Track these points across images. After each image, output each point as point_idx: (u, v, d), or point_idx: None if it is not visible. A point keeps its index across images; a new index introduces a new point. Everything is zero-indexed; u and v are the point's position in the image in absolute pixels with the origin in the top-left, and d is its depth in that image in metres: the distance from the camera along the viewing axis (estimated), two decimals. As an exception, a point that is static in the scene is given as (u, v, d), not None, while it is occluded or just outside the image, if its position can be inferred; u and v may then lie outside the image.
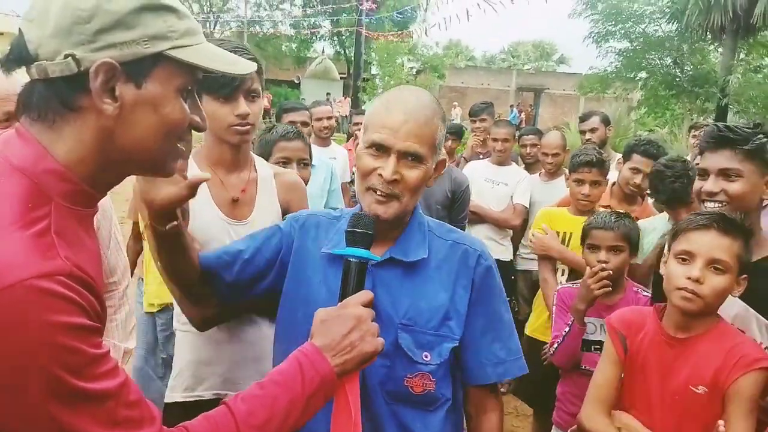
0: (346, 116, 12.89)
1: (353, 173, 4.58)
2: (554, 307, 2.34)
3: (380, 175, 1.22)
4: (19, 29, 0.84)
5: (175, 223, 1.20)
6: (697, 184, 1.70)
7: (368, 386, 1.24)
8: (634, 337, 1.59)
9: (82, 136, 0.82)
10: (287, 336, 1.30)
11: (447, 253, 1.33)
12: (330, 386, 1.00)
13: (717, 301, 1.49)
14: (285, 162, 2.20)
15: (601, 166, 2.75)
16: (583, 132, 4.09)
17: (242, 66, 0.98)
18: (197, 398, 1.61)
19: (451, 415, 1.31)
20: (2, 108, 1.46)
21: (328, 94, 20.86)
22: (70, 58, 0.79)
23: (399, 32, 18.68)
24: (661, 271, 1.59)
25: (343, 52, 30.21)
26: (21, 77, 0.88)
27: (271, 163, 2.14)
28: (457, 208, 3.42)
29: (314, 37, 29.14)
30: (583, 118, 4.20)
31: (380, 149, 1.23)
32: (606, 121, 4.03)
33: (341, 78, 27.12)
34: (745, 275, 1.49)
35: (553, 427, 2.35)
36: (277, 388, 0.95)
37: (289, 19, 28.23)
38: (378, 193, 1.23)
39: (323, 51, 30.63)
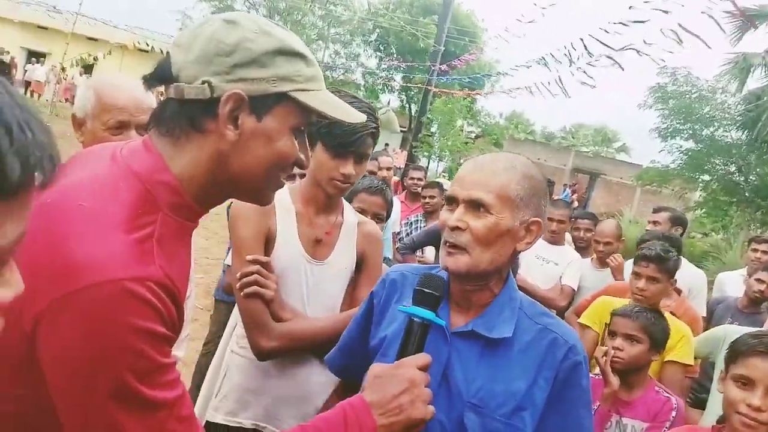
0: (400, 168, 13.09)
1: (402, 224, 4.65)
2: None
3: (447, 225, 1.22)
4: (167, 52, 0.95)
5: None
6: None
7: None
8: None
9: (200, 156, 0.91)
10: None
11: (534, 338, 1.23)
12: None
13: None
14: (360, 213, 2.28)
15: (662, 262, 2.61)
16: (650, 222, 4.11)
17: (354, 116, 1.05)
18: (237, 425, 1.64)
19: None
20: (137, 117, 1.56)
21: (386, 144, 21.25)
22: (206, 84, 0.88)
23: (468, 91, 19.00)
24: (718, 388, 1.56)
25: (408, 106, 30.94)
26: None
27: None
28: None
29: (384, 89, 30.01)
30: (656, 210, 4.24)
31: (451, 202, 1.24)
32: (675, 221, 3.96)
33: (401, 131, 27.64)
34: None
35: None
36: None
37: (364, 69, 29.19)
38: (447, 245, 1.22)
39: (389, 102, 31.44)
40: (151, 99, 1.58)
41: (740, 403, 1.47)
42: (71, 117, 1.63)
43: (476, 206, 1.20)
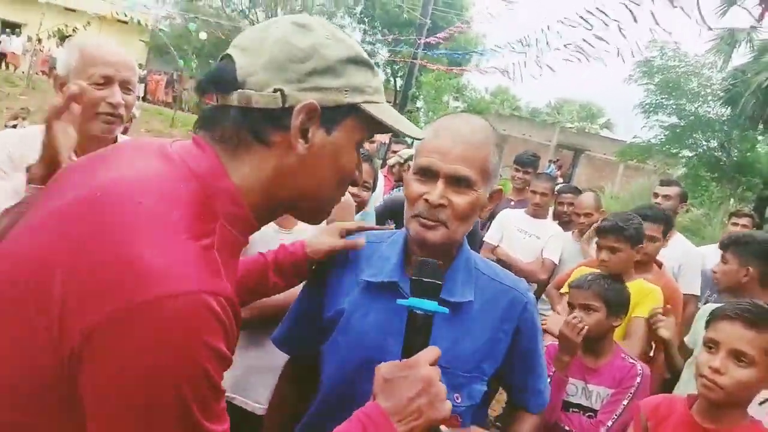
0: (384, 143, 13.01)
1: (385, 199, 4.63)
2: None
3: (426, 200, 1.17)
4: (229, 55, 0.85)
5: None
6: None
7: None
8: (660, 422, 1.57)
9: (262, 169, 0.83)
10: (330, 358, 1.29)
11: (493, 295, 1.28)
12: None
13: (741, 393, 1.46)
14: None
15: (620, 232, 2.67)
16: (656, 195, 3.93)
17: (415, 132, 0.99)
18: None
19: None
20: (122, 73, 1.59)
21: (371, 118, 21.08)
22: (279, 92, 0.81)
23: (454, 68, 18.86)
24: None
25: (393, 81, 30.68)
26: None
27: None
28: (469, 239, 3.38)
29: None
30: (665, 183, 4.06)
31: (427, 174, 1.19)
32: (683, 197, 3.92)
33: (387, 106, 27.46)
34: None
35: None
36: None
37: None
38: (423, 219, 1.18)
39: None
40: (133, 60, 1.61)
41: (704, 366, 1.49)
42: (53, 78, 1.64)
43: (459, 182, 1.17)
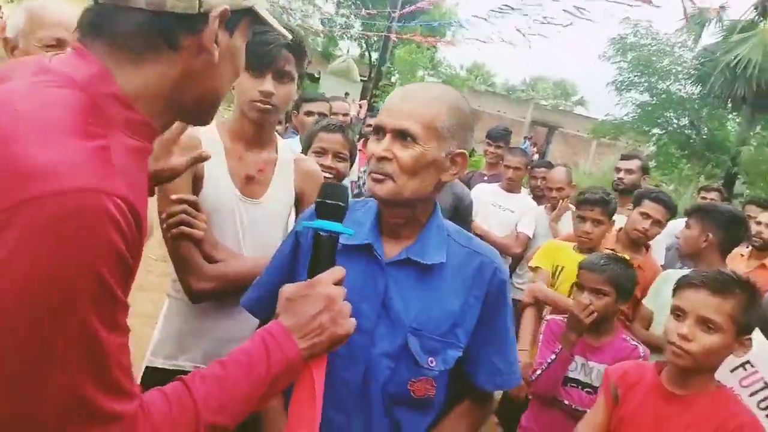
0: (360, 118, 12.90)
1: (360, 172, 4.60)
2: (541, 336, 2.33)
3: (374, 155, 1.21)
4: None
5: None
6: None
7: (370, 387, 1.22)
8: (628, 388, 1.60)
9: (168, 73, 0.81)
10: None
11: (464, 261, 1.30)
12: (296, 369, 0.94)
13: (709, 360, 1.49)
14: (321, 152, 2.19)
15: (605, 205, 2.74)
16: (618, 170, 3.97)
17: (287, 33, 1.04)
18: (177, 368, 1.58)
19: (439, 416, 1.32)
20: (56, 34, 1.51)
21: (346, 93, 20.85)
22: None
23: (429, 37, 18.65)
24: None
25: (368, 55, 30.31)
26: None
27: (310, 153, 2.15)
28: (459, 223, 3.38)
29: (343, 36, 29.26)
30: (625, 157, 4.10)
31: (378, 131, 1.24)
32: (645, 170, 3.95)
33: (361, 80, 27.19)
34: (749, 336, 1.48)
35: None
36: (240, 370, 0.87)
37: (321, 14, 28.32)
38: (373, 174, 1.22)
39: (348, 50, 30.72)
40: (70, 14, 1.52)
41: (672, 333, 1.52)
42: (2, 42, 1.58)
43: (403, 136, 1.20)
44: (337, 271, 1.01)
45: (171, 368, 1.58)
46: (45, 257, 0.62)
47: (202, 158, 1.38)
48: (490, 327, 1.31)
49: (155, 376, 1.55)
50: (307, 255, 1.29)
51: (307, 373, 0.97)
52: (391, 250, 1.27)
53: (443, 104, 1.23)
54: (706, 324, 1.48)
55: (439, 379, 1.27)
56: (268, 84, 1.52)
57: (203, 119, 0.94)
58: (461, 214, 3.41)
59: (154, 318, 2.49)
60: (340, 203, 1.07)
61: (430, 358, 1.24)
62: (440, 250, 1.28)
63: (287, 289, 1.00)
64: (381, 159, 1.20)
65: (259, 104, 1.53)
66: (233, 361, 0.89)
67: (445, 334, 1.25)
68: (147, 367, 1.61)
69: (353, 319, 0.99)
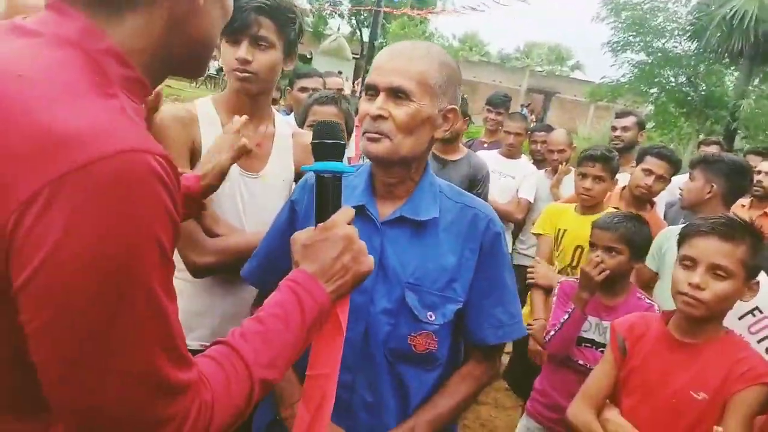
0: (356, 95, 12.80)
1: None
2: (554, 298, 2.32)
3: (368, 114, 1.20)
4: None
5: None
6: None
7: (371, 343, 1.24)
8: (636, 340, 1.60)
9: (153, 24, 0.74)
10: None
11: (457, 215, 1.31)
12: (327, 313, 0.93)
13: (720, 307, 1.48)
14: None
15: (606, 162, 2.70)
16: (614, 128, 3.92)
17: None
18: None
19: (446, 375, 1.32)
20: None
21: (339, 72, 20.71)
22: None
23: (419, 9, 18.42)
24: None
25: (359, 32, 29.99)
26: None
27: (305, 127, 2.13)
28: (476, 194, 3.34)
29: (332, 14, 28.91)
30: (620, 115, 4.05)
31: (371, 91, 1.22)
32: (641, 125, 3.91)
33: (354, 58, 26.92)
34: (756, 280, 1.47)
35: (524, 414, 2.35)
36: (279, 323, 0.85)
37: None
38: (368, 134, 1.21)
39: (339, 29, 30.36)
40: None
41: (683, 283, 1.50)
42: None
43: (397, 94, 1.20)
44: (348, 211, 0.99)
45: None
46: (104, 228, 0.58)
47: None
48: (487, 279, 1.31)
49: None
50: (303, 223, 1.30)
51: (333, 313, 0.96)
52: (385, 210, 1.28)
53: (433, 60, 1.23)
54: (717, 271, 1.47)
55: (439, 333, 1.27)
56: (242, 50, 1.49)
57: (197, 69, 0.87)
58: (481, 183, 3.38)
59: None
60: (338, 141, 1.02)
61: (429, 313, 1.25)
62: (433, 206, 1.29)
63: (302, 236, 0.98)
64: (376, 118, 1.19)
65: (237, 72, 1.51)
66: (270, 315, 0.87)
67: (442, 289, 1.26)
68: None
69: (372, 256, 0.98)
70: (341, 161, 1.01)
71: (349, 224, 0.98)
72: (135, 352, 0.62)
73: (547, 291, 2.74)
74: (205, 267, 1.49)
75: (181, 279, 1.59)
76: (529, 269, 2.82)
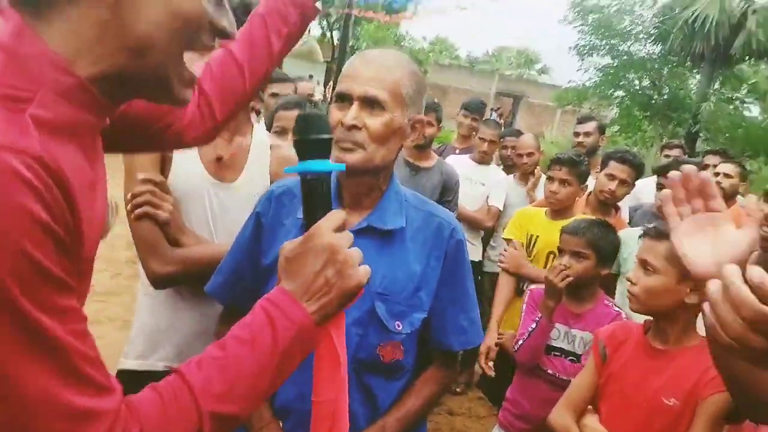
0: (327, 101, 12.75)
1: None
2: (524, 305, 2.33)
3: (342, 123, 1.19)
4: None
5: None
6: None
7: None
8: (616, 347, 1.66)
9: (82, 27, 0.64)
10: None
11: (422, 224, 1.33)
12: (309, 337, 0.81)
13: (652, 301, 1.59)
14: (281, 131, 2.15)
15: (573, 165, 2.73)
16: (577, 134, 4.03)
17: None
18: (150, 368, 1.54)
19: (409, 383, 1.34)
20: None
21: (310, 75, 20.59)
22: None
23: (390, 13, 18.44)
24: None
25: (330, 35, 29.91)
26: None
27: (272, 132, 2.11)
28: (448, 201, 3.36)
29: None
30: (581, 121, 4.15)
31: (343, 99, 1.22)
32: (602, 130, 4.02)
33: (325, 62, 26.82)
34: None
35: (496, 425, 2.36)
36: (242, 348, 0.76)
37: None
38: (341, 143, 1.20)
39: (309, 31, 30.22)
40: None
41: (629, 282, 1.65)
42: None
43: (371, 104, 1.20)
44: (335, 216, 0.86)
45: (143, 369, 1.54)
46: None
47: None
48: (452, 287, 1.34)
49: (128, 381, 1.50)
50: (270, 236, 1.29)
51: (326, 336, 0.86)
52: (352, 220, 1.27)
53: (404, 70, 1.25)
54: (645, 267, 1.61)
55: (406, 342, 1.29)
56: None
57: (164, 90, 0.73)
58: (453, 191, 3.39)
59: (126, 322, 2.42)
60: (322, 135, 0.89)
61: (396, 322, 1.26)
62: (399, 215, 1.30)
63: (286, 247, 0.86)
64: (351, 128, 1.19)
65: None
66: (233, 339, 0.77)
67: (409, 298, 1.28)
68: (119, 371, 1.56)
69: (366, 267, 0.85)
70: (328, 158, 0.89)
71: (337, 230, 0.85)
72: (17, 379, 0.56)
73: (517, 279, 2.76)
74: (165, 276, 1.45)
75: (148, 295, 1.56)
76: (501, 252, 2.86)
